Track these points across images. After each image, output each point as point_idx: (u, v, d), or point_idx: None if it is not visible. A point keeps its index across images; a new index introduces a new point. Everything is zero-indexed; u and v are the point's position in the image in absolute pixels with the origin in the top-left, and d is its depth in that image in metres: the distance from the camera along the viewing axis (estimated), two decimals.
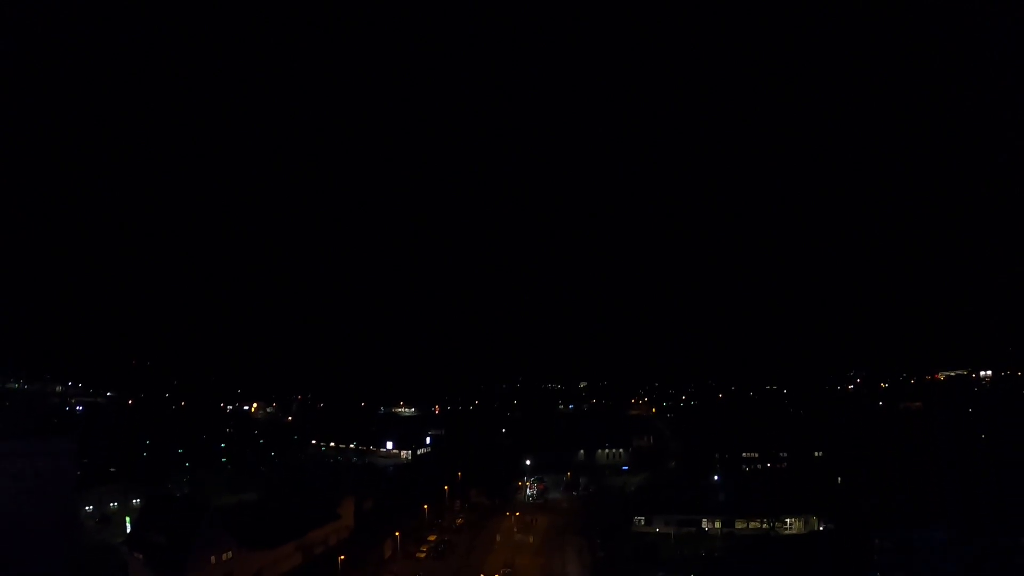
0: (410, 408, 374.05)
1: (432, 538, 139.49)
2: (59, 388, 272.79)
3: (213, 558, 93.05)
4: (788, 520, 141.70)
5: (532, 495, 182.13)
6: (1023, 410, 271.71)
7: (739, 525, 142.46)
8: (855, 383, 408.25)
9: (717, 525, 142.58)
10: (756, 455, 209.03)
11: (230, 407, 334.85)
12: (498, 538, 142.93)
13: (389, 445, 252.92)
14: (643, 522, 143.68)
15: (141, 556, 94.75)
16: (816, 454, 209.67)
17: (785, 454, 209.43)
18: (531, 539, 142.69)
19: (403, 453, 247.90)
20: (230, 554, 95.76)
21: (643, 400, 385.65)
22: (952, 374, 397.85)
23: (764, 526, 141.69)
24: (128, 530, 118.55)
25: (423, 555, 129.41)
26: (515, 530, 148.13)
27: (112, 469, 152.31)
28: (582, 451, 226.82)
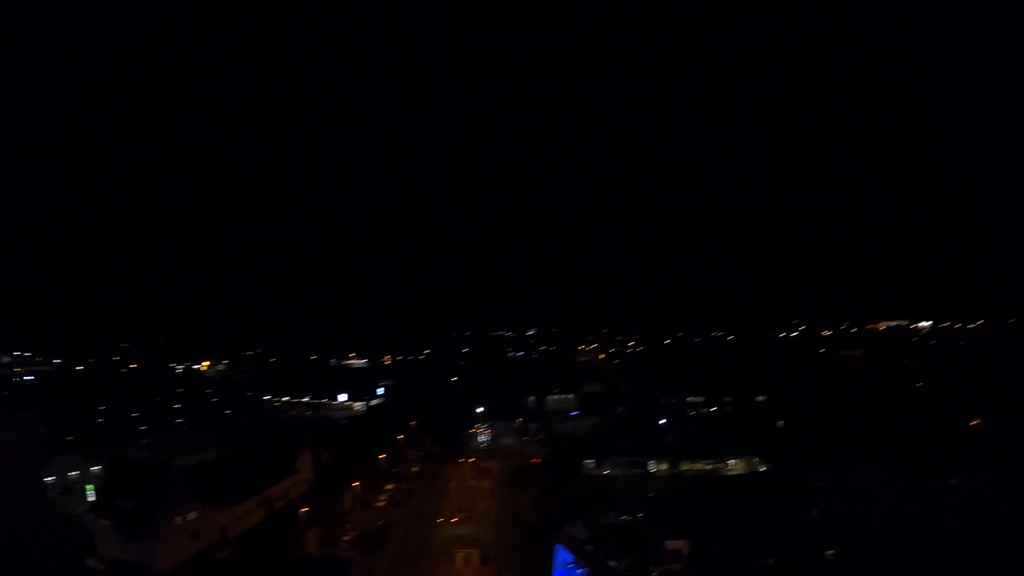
0: (362, 359, 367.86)
1: (390, 487, 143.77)
2: (4, 359, 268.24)
3: (179, 519, 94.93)
4: (731, 461, 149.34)
5: (485, 441, 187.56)
6: (956, 359, 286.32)
7: (684, 466, 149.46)
8: (798, 331, 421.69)
9: (664, 466, 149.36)
10: (701, 399, 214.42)
11: (180, 367, 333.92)
12: (454, 484, 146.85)
13: (343, 397, 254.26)
14: (593, 465, 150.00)
15: (108, 523, 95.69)
16: (759, 398, 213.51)
17: (729, 398, 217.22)
18: (486, 484, 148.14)
19: (357, 404, 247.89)
20: (195, 514, 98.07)
21: (591, 346, 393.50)
22: (892, 324, 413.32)
23: (708, 467, 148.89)
24: (90, 498, 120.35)
25: (382, 504, 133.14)
26: (470, 476, 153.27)
27: (69, 438, 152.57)
28: (532, 397, 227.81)
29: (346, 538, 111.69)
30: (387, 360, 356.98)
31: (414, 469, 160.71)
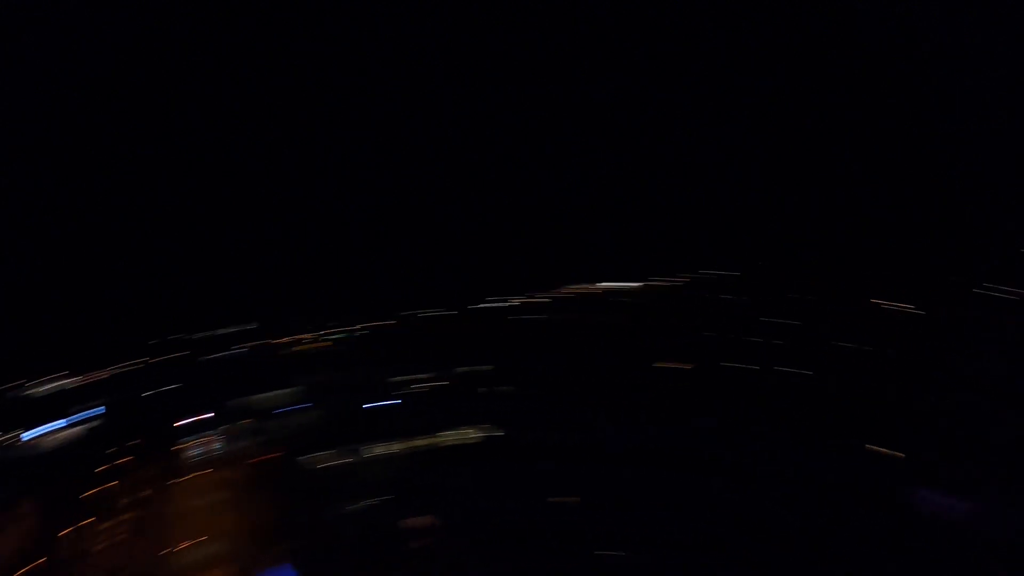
0: (69, 378, 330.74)
1: (119, 518, 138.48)
2: None
3: None
4: (458, 432, 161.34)
5: (207, 451, 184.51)
6: (667, 319, 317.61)
7: (415, 443, 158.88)
8: (520, 299, 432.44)
9: (394, 447, 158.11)
10: (428, 375, 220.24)
11: None
12: (185, 502, 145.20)
13: (44, 427, 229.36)
14: (320, 457, 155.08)
15: None
16: (485, 368, 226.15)
17: (456, 371, 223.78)
18: (218, 495, 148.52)
19: (61, 432, 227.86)
20: None
21: (309, 335, 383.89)
22: (608, 286, 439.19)
23: (436, 441, 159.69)
24: None
25: (119, 536, 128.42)
26: (198, 490, 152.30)
27: None
28: (248, 396, 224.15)
29: None
30: (95, 375, 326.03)
31: (139, 493, 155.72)
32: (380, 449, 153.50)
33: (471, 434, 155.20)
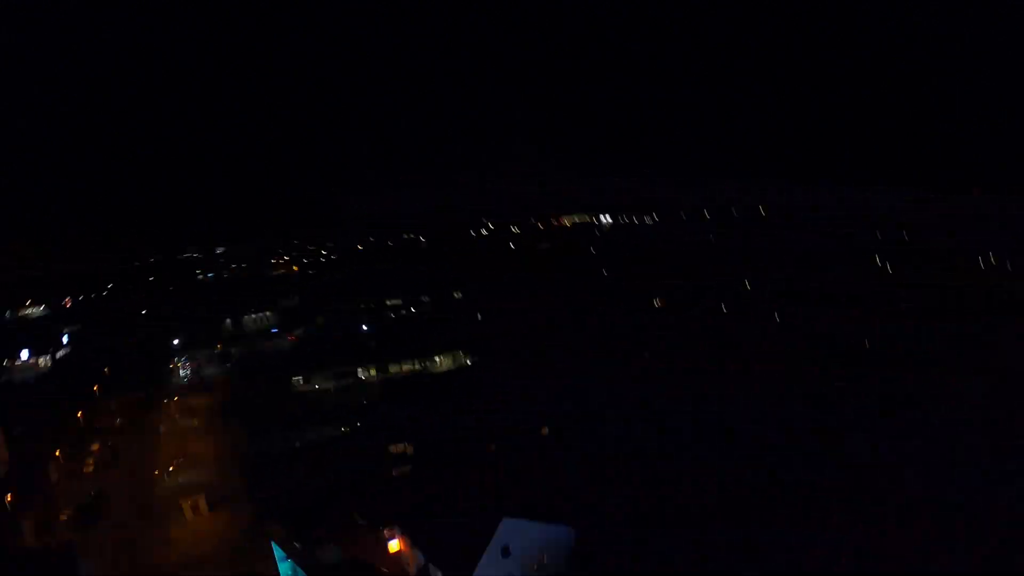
0: (38, 306, 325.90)
1: (95, 447, 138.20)
2: None
3: None
4: (437, 358, 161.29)
5: (187, 375, 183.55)
6: (639, 251, 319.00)
7: (393, 369, 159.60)
8: (489, 228, 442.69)
9: (373, 373, 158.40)
10: (399, 302, 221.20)
11: None
12: (163, 428, 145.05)
13: (24, 355, 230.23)
14: (302, 381, 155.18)
15: None
16: (456, 295, 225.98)
17: (426, 298, 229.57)
18: (195, 421, 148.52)
19: (41, 360, 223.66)
20: None
21: (283, 259, 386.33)
22: (576, 220, 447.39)
23: (417, 367, 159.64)
24: None
25: (91, 468, 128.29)
26: (177, 416, 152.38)
27: None
28: (228, 320, 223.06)
29: (62, 517, 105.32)
30: (67, 303, 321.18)
31: (118, 421, 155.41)
32: (360, 374, 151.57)
33: (447, 360, 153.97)
